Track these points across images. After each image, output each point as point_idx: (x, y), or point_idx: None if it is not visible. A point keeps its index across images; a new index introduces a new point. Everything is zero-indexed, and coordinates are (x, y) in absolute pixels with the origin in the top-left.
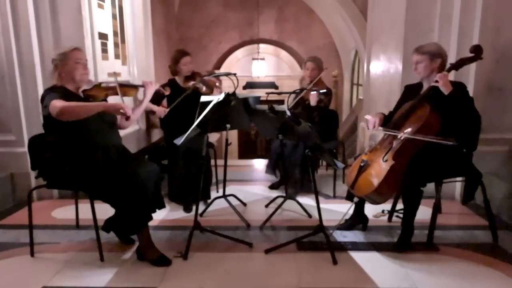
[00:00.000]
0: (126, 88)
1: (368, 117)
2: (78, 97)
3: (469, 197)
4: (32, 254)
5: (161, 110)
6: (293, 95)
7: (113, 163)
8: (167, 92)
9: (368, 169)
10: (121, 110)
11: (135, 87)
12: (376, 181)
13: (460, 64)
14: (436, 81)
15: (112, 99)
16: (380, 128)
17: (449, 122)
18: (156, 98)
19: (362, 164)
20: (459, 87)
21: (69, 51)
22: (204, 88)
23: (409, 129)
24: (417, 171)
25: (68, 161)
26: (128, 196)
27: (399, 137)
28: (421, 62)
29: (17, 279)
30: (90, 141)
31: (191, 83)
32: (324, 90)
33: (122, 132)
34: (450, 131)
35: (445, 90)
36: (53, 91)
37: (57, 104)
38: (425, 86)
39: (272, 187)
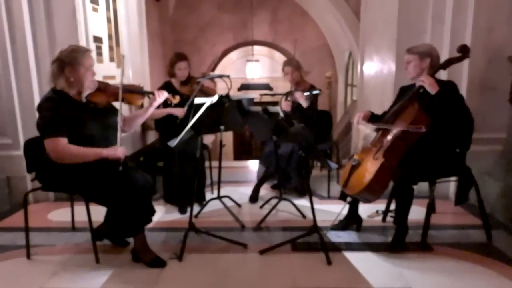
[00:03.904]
0: (132, 94)
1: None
2: (79, 104)
3: (462, 199)
4: (28, 256)
5: (181, 111)
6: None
7: (115, 166)
8: (175, 100)
9: (360, 168)
10: (118, 158)
11: (143, 94)
12: (367, 179)
13: (447, 63)
14: (423, 81)
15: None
16: (370, 123)
17: (439, 120)
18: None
19: (353, 163)
20: (448, 85)
21: (83, 56)
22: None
23: (399, 126)
24: (408, 169)
25: (70, 165)
26: (127, 198)
27: (388, 128)
28: (411, 61)
29: (13, 281)
30: (94, 146)
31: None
32: (318, 91)
33: None
34: (442, 130)
35: (432, 90)
36: (50, 107)
37: (57, 148)
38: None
39: (275, 186)
